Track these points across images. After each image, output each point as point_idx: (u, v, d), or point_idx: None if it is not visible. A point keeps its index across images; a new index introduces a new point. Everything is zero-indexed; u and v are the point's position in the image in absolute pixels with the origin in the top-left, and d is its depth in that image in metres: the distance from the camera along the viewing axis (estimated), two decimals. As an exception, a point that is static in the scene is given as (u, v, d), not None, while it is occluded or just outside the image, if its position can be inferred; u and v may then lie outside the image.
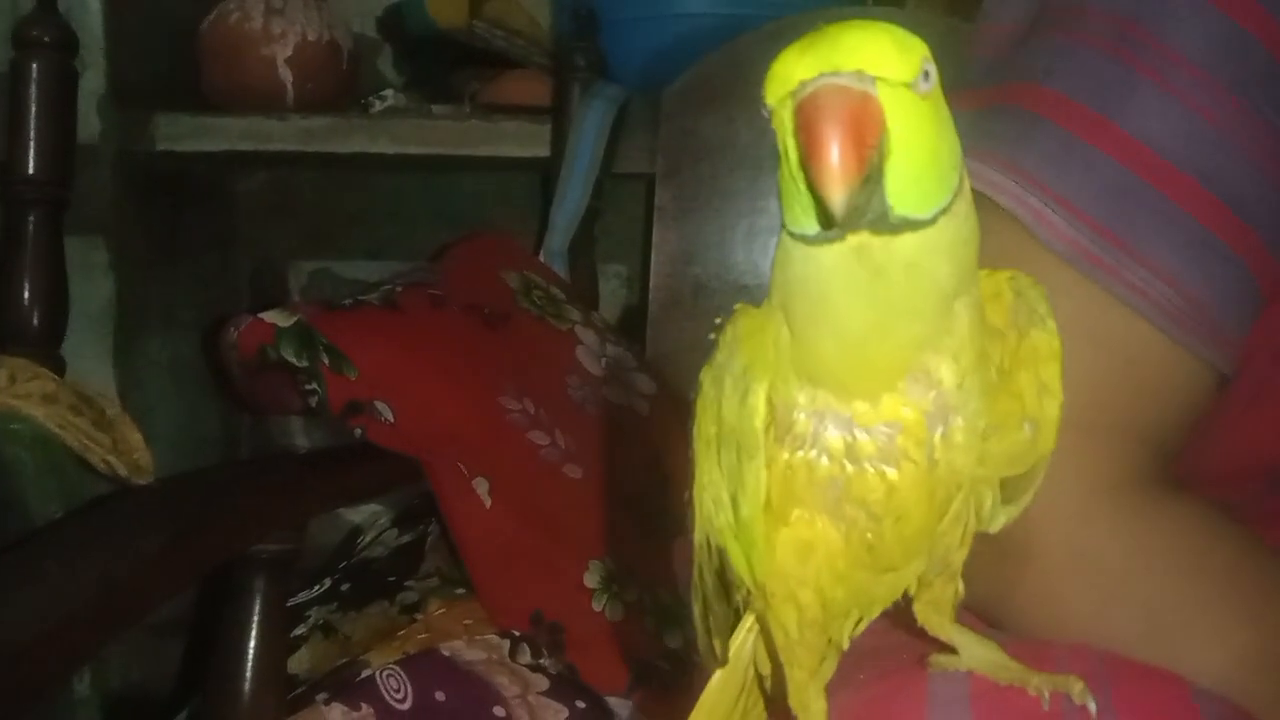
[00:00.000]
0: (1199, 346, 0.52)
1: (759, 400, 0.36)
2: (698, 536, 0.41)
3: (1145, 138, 0.52)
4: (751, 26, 1.09)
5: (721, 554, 0.40)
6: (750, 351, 0.37)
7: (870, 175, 0.32)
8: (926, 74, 0.33)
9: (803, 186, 0.33)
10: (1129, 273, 0.51)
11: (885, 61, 0.32)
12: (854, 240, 0.33)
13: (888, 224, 0.33)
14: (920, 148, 0.33)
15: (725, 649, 0.42)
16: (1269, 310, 0.55)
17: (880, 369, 0.35)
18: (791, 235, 0.34)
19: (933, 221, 0.33)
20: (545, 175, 1.17)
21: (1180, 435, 0.54)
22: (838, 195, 0.31)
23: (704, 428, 0.39)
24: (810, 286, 0.34)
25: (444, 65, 1.29)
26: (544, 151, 1.17)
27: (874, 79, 0.32)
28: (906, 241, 0.33)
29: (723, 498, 0.38)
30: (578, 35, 1.18)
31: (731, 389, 0.37)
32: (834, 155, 0.31)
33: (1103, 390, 0.52)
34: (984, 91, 0.57)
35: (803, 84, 0.32)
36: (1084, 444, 0.51)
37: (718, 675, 0.44)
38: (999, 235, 0.50)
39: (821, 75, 0.32)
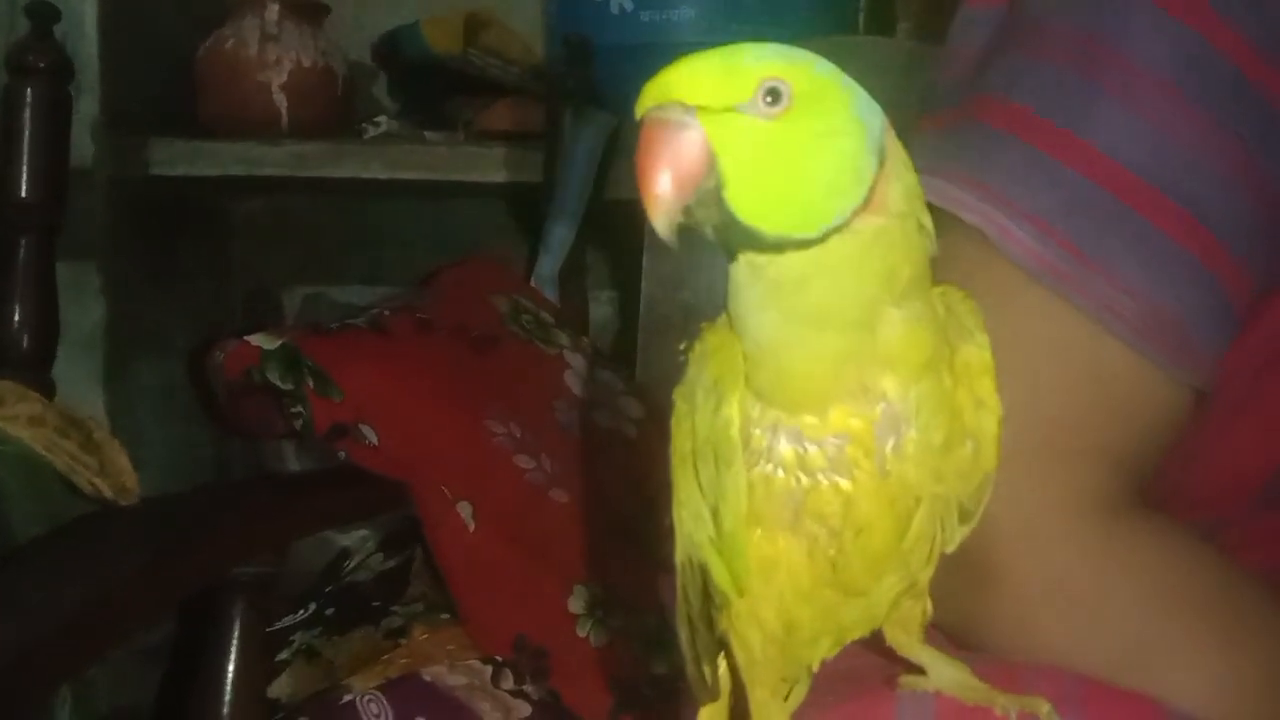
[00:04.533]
0: (1170, 363, 0.51)
1: (733, 409, 0.37)
2: (679, 556, 0.41)
3: (1110, 151, 0.51)
4: (742, 54, 1.09)
5: (704, 572, 0.40)
6: (719, 364, 0.37)
7: (701, 200, 0.33)
8: (772, 94, 0.33)
9: None
10: (1096, 288, 0.50)
11: (705, 90, 0.33)
12: (744, 259, 0.35)
13: (760, 243, 0.34)
14: (768, 168, 0.34)
15: (715, 681, 0.42)
16: (1248, 328, 0.55)
17: (804, 382, 0.36)
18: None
19: (821, 240, 0.34)
20: (537, 201, 1.18)
21: (1155, 455, 0.53)
22: (658, 222, 0.33)
23: (679, 444, 0.39)
24: (732, 301, 0.36)
25: (438, 92, 1.30)
26: (536, 177, 1.17)
27: (694, 109, 0.33)
28: (793, 260, 0.34)
29: (703, 512, 0.38)
30: (571, 63, 1.18)
31: (704, 401, 0.37)
32: (651, 186, 0.33)
33: (1072, 409, 0.51)
34: (947, 112, 0.57)
35: (644, 114, 0.34)
36: (1054, 467, 0.50)
37: (705, 712, 0.43)
38: (964, 252, 0.50)
39: (651, 108, 0.34)
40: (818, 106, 0.34)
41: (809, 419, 0.36)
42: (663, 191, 0.33)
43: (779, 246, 0.34)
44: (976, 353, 0.38)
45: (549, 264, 1.13)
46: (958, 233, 0.51)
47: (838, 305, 0.35)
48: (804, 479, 0.36)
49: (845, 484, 0.36)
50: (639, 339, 1.11)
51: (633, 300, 1.16)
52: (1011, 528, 0.47)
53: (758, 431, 0.36)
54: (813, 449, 0.36)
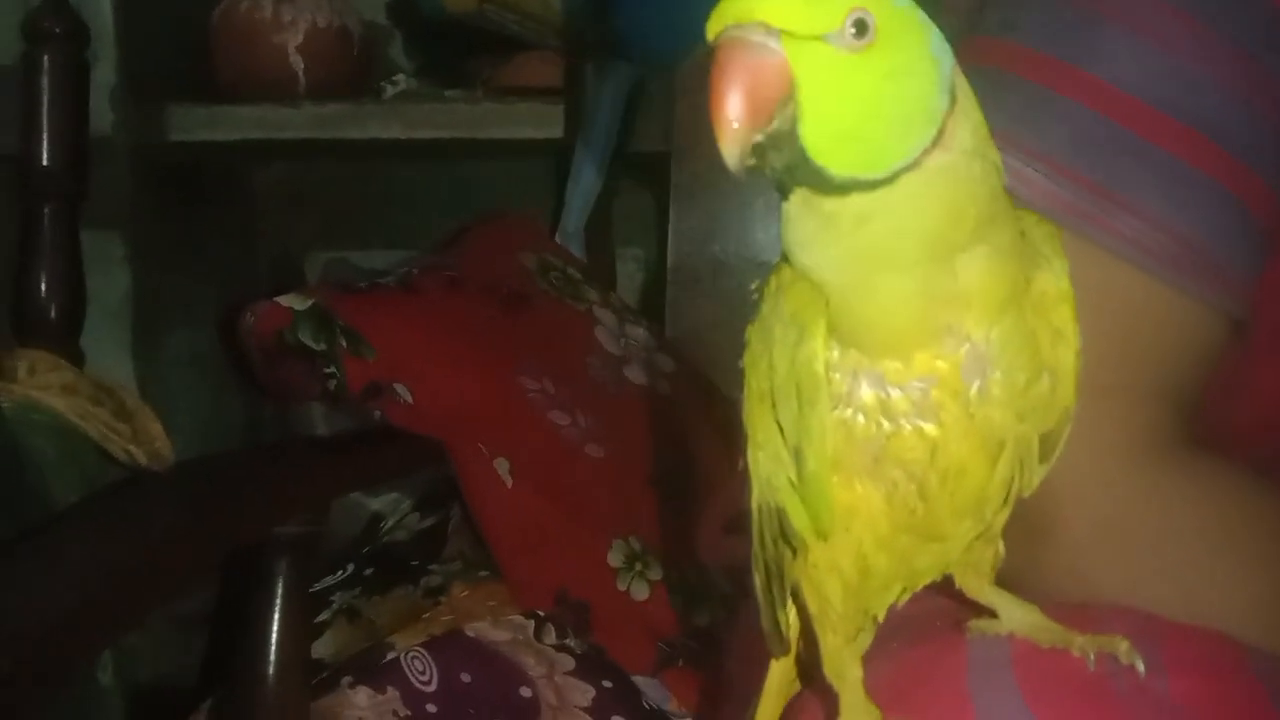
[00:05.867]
0: (1202, 290, 0.50)
1: (817, 343, 0.35)
2: (755, 501, 0.40)
3: (1116, 81, 0.50)
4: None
5: (781, 517, 0.38)
6: (796, 297, 0.36)
7: (777, 131, 0.32)
8: (859, 25, 0.32)
9: None
10: (1118, 223, 0.49)
11: (792, 14, 0.31)
12: (799, 195, 0.33)
13: (827, 184, 0.32)
14: (848, 104, 0.32)
15: (788, 632, 0.41)
16: None
17: (883, 325, 0.35)
18: None
19: (890, 180, 0.33)
20: (560, 157, 1.16)
21: (1197, 387, 0.52)
22: (726, 149, 0.31)
23: (755, 384, 0.38)
24: (786, 241, 0.35)
25: (456, 50, 1.28)
26: (558, 133, 1.16)
27: (779, 32, 0.31)
28: (855, 199, 0.33)
29: (782, 454, 0.37)
30: (590, 15, 1.16)
31: (782, 336, 0.36)
32: (723, 111, 0.31)
33: (1110, 348, 0.50)
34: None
35: (721, 31, 0.32)
36: (1098, 407, 0.49)
37: (776, 665, 0.42)
38: None
39: (730, 26, 0.32)
40: (897, 41, 0.32)
41: (892, 363, 0.35)
42: (736, 118, 0.31)
43: (844, 188, 0.33)
44: (1053, 281, 0.37)
45: (574, 220, 1.12)
46: None
47: (897, 244, 0.34)
48: (886, 424, 0.35)
49: (930, 429, 0.35)
50: (667, 294, 1.10)
51: (659, 255, 1.15)
52: (1061, 472, 0.46)
53: (837, 376, 0.35)
54: (896, 394, 0.35)
